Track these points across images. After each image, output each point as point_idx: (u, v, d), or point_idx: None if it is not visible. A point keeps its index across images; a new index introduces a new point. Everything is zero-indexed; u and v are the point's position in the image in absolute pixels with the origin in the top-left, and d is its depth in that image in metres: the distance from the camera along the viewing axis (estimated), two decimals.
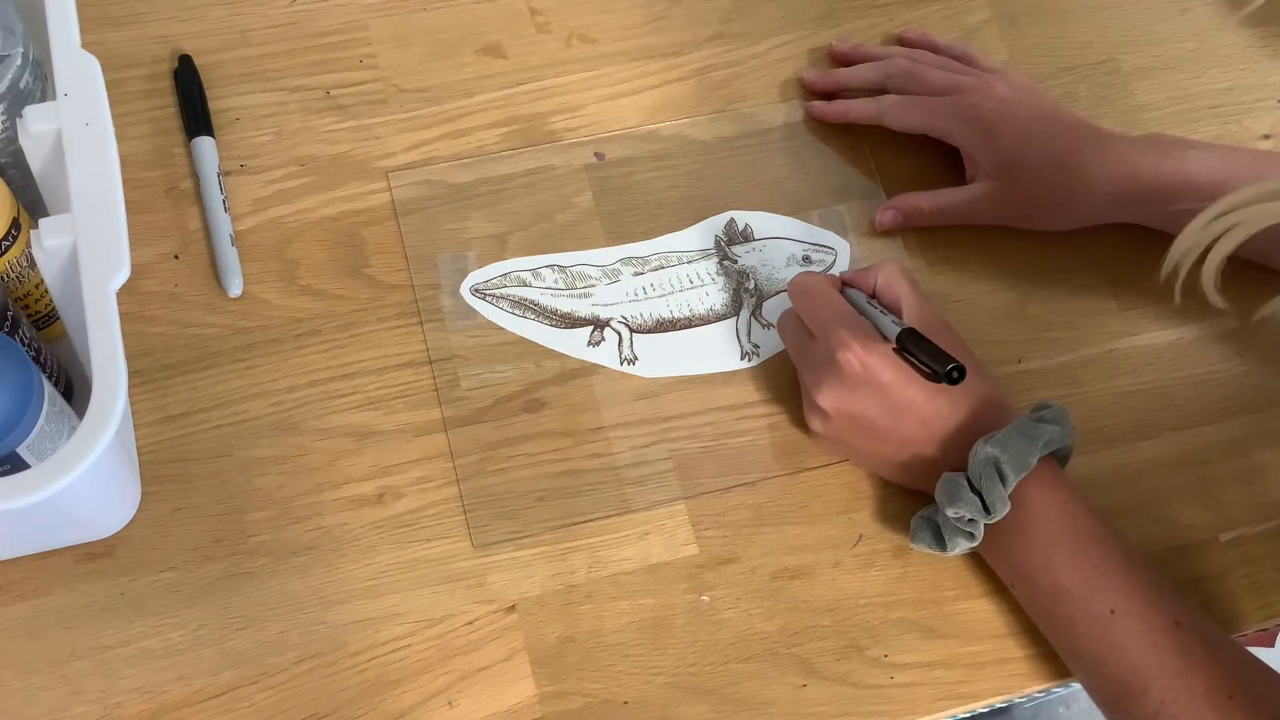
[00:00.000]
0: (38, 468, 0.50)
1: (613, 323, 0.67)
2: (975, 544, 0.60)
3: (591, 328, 0.67)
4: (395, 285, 0.67)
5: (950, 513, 0.59)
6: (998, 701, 0.63)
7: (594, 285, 0.68)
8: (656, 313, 0.68)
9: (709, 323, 0.68)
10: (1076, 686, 0.62)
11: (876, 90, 0.73)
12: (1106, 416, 0.68)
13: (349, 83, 0.72)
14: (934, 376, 0.58)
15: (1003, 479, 0.57)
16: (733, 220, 0.70)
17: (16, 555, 0.59)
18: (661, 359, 0.67)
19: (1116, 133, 0.69)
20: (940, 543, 0.61)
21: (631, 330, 0.67)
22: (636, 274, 0.69)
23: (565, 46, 0.75)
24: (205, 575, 0.60)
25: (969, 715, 0.64)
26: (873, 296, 0.64)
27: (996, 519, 0.58)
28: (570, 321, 0.67)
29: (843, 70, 0.74)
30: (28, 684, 0.57)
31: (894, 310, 0.62)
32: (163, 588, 0.60)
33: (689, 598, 0.62)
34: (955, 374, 0.57)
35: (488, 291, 0.67)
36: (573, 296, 0.68)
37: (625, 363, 0.67)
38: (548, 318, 0.67)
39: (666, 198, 0.71)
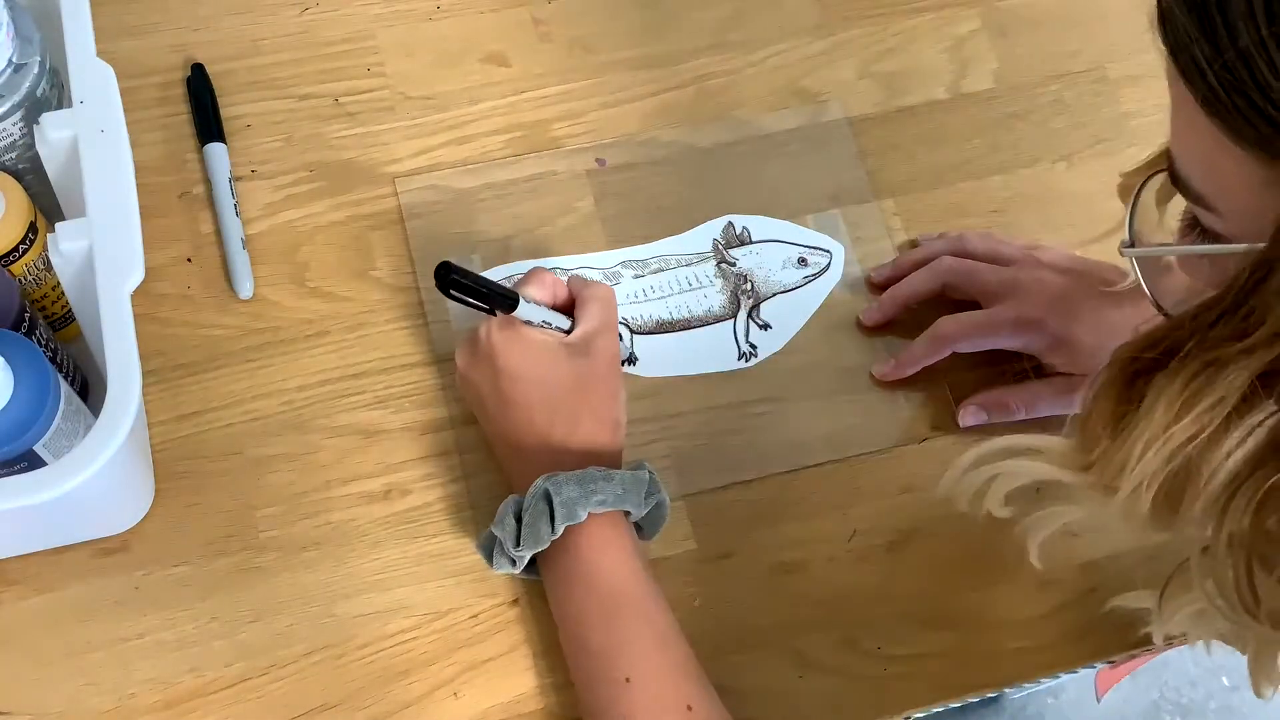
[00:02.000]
0: (54, 465, 0.51)
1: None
2: (515, 570, 0.59)
3: None
4: (402, 287, 0.68)
5: (494, 530, 0.59)
6: (988, 692, 0.64)
7: None
8: (656, 314, 0.69)
9: (707, 324, 0.70)
10: (1066, 678, 0.63)
11: (932, 298, 0.69)
12: None
13: (357, 90, 0.73)
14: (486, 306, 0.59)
15: (552, 521, 0.57)
16: (730, 224, 0.72)
17: (34, 550, 0.60)
18: (660, 359, 0.68)
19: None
20: (489, 556, 0.60)
21: (632, 331, 0.69)
22: (637, 276, 0.70)
23: (567, 55, 0.76)
24: (217, 569, 0.61)
25: (960, 705, 0.65)
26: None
27: (524, 554, 0.57)
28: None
29: (898, 287, 0.70)
30: (45, 675, 0.59)
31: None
32: (176, 582, 0.61)
33: (689, 591, 0.63)
34: (441, 270, 0.57)
35: None
36: None
37: (625, 363, 0.68)
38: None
39: (666, 202, 0.73)
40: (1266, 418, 0.40)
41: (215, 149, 0.70)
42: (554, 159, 0.73)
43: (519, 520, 0.58)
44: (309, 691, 0.60)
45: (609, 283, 0.69)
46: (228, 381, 0.65)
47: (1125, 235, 0.51)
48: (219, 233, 0.68)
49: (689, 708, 0.55)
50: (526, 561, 0.59)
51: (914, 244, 0.73)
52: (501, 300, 0.59)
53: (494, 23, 0.76)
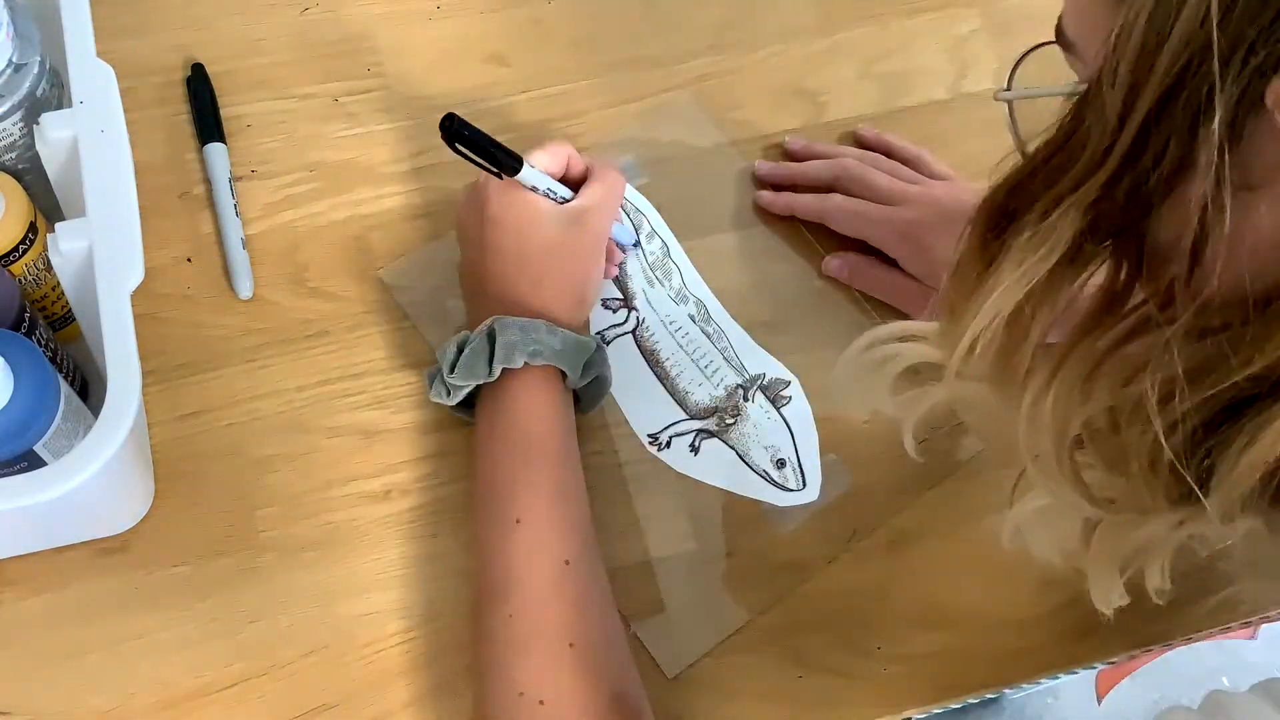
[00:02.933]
0: (54, 465, 0.51)
1: (636, 301, 0.69)
2: (449, 401, 0.61)
3: (620, 299, 0.69)
4: (402, 287, 0.68)
5: (438, 358, 0.61)
6: (988, 692, 0.64)
7: (655, 283, 0.70)
8: (663, 347, 0.69)
9: (686, 407, 0.67)
10: (1065, 677, 0.63)
11: (826, 189, 0.72)
12: None
13: (357, 90, 0.73)
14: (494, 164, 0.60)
15: (490, 360, 0.59)
16: (780, 380, 0.68)
17: (34, 550, 0.60)
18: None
19: None
20: (431, 383, 0.62)
21: (636, 330, 0.69)
22: (690, 316, 0.69)
23: (567, 55, 0.76)
24: (217, 570, 0.61)
25: (959, 705, 0.65)
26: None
27: (458, 384, 0.60)
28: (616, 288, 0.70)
29: (795, 165, 0.74)
30: (45, 675, 0.59)
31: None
32: (176, 582, 0.61)
33: (691, 590, 0.63)
34: (446, 121, 0.58)
35: None
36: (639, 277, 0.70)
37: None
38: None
39: (666, 203, 0.73)
40: (1094, 273, 0.40)
41: (215, 149, 0.70)
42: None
43: (460, 352, 0.60)
44: (309, 692, 0.60)
45: (658, 285, 0.70)
46: (228, 381, 0.65)
47: (1004, 85, 0.51)
48: (219, 233, 0.68)
49: (566, 561, 0.57)
50: (462, 395, 0.61)
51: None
52: (505, 161, 0.60)
53: (494, 23, 0.76)
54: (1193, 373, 0.39)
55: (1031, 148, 0.43)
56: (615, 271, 0.69)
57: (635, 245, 0.70)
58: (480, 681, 0.56)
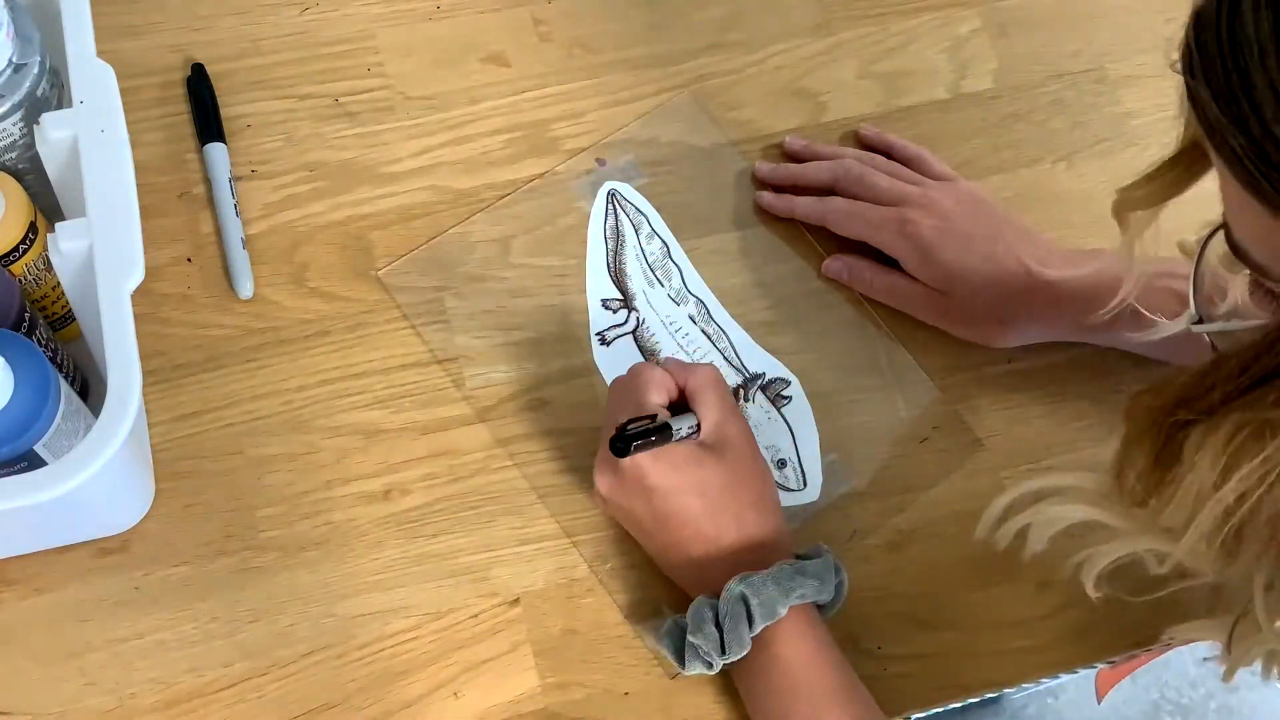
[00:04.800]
0: (54, 465, 0.51)
1: (636, 301, 0.69)
2: (711, 672, 0.59)
3: (620, 300, 0.69)
4: (402, 287, 0.68)
5: (692, 639, 0.58)
6: (988, 692, 0.64)
7: (657, 281, 0.70)
8: (663, 347, 0.69)
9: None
10: (1066, 677, 0.63)
11: (826, 190, 0.72)
12: (1093, 415, 0.70)
13: (357, 90, 0.73)
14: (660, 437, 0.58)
15: (750, 622, 0.56)
16: (780, 380, 0.69)
17: (34, 550, 0.60)
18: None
19: (1062, 251, 0.68)
20: (680, 658, 0.59)
21: (636, 330, 0.69)
22: (690, 317, 0.69)
23: (567, 55, 0.76)
24: (217, 569, 0.61)
25: (961, 705, 0.65)
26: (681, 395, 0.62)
27: (731, 660, 0.57)
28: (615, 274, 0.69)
29: (795, 166, 0.73)
30: (45, 675, 0.59)
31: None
32: (176, 582, 0.61)
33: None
34: (619, 444, 0.56)
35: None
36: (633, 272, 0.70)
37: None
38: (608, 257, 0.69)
39: (666, 202, 0.73)
40: None
41: (215, 149, 0.70)
42: (554, 159, 0.73)
43: (719, 627, 0.57)
44: (309, 691, 0.60)
45: (660, 285, 0.69)
46: (228, 381, 0.65)
47: (1191, 310, 0.49)
48: (219, 233, 0.68)
49: None
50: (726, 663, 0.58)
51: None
52: (661, 436, 0.58)
53: (494, 23, 0.76)
54: None
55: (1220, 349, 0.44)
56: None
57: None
58: None
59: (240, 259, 0.67)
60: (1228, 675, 0.54)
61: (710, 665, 0.58)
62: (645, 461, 0.59)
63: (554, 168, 0.73)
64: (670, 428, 0.58)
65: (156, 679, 0.59)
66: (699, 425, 0.60)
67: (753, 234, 0.73)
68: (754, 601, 0.56)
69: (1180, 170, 0.49)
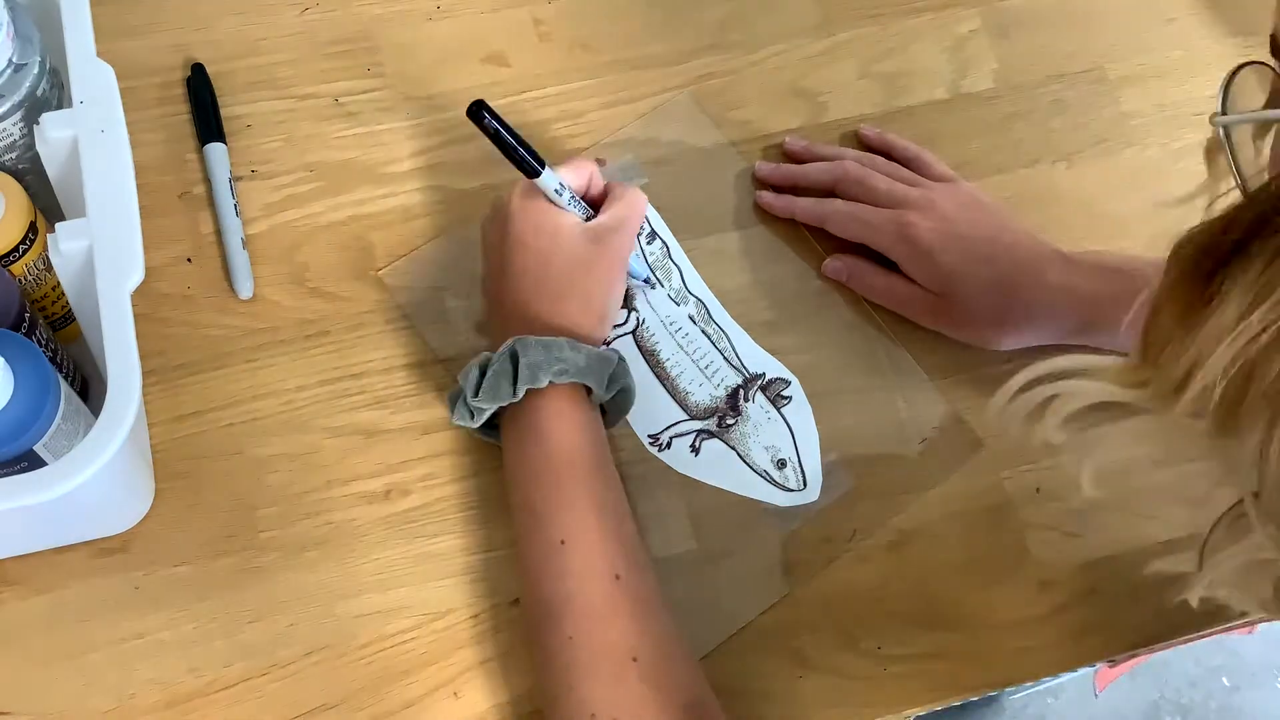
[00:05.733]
0: (54, 465, 0.51)
1: (636, 301, 0.69)
2: (473, 424, 0.61)
3: (621, 303, 0.68)
4: (402, 287, 0.68)
5: (459, 380, 0.61)
6: (988, 692, 0.64)
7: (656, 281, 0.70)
8: (664, 347, 0.68)
9: (687, 408, 0.67)
10: (1065, 677, 0.64)
11: (826, 191, 0.72)
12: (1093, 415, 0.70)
13: (357, 90, 0.73)
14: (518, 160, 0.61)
15: (515, 381, 0.59)
16: (780, 380, 0.68)
17: (34, 550, 0.60)
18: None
19: (1062, 254, 0.68)
20: (453, 407, 0.62)
21: (636, 330, 0.69)
22: (690, 317, 0.69)
23: (567, 55, 0.76)
24: (217, 570, 0.61)
25: (960, 705, 0.65)
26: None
27: (482, 407, 0.59)
28: None
29: (795, 167, 0.73)
30: (45, 675, 0.59)
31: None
32: (176, 582, 0.61)
33: (694, 590, 0.63)
34: (474, 106, 0.59)
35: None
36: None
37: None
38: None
39: (666, 202, 0.73)
40: None
41: (215, 149, 0.70)
42: (554, 159, 0.72)
43: (483, 374, 0.60)
44: (309, 691, 0.60)
45: (658, 286, 0.70)
46: (228, 381, 0.65)
47: (1218, 106, 0.48)
48: (219, 233, 0.68)
49: (617, 576, 0.57)
50: (485, 417, 0.60)
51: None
52: (528, 162, 0.60)
53: (494, 23, 0.76)
54: None
55: (1264, 178, 0.41)
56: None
57: (645, 281, 0.69)
58: (550, 706, 0.56)
59: (240, 259, 0.67)
60: (1193, 596, 0.51)
61: (472, 414, 0.60)
62: (519, 207, 0.63)
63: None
64: (543, 164, 0.61)
65: (156, 679, 0.59)
66: (593, 217, 0.63)
67: (753, 234, 0.73)
68: (521, 360, 0.59)
69: None
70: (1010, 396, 0.52)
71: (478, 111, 0.60)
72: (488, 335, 0.67)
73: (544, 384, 0.59)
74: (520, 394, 0.59)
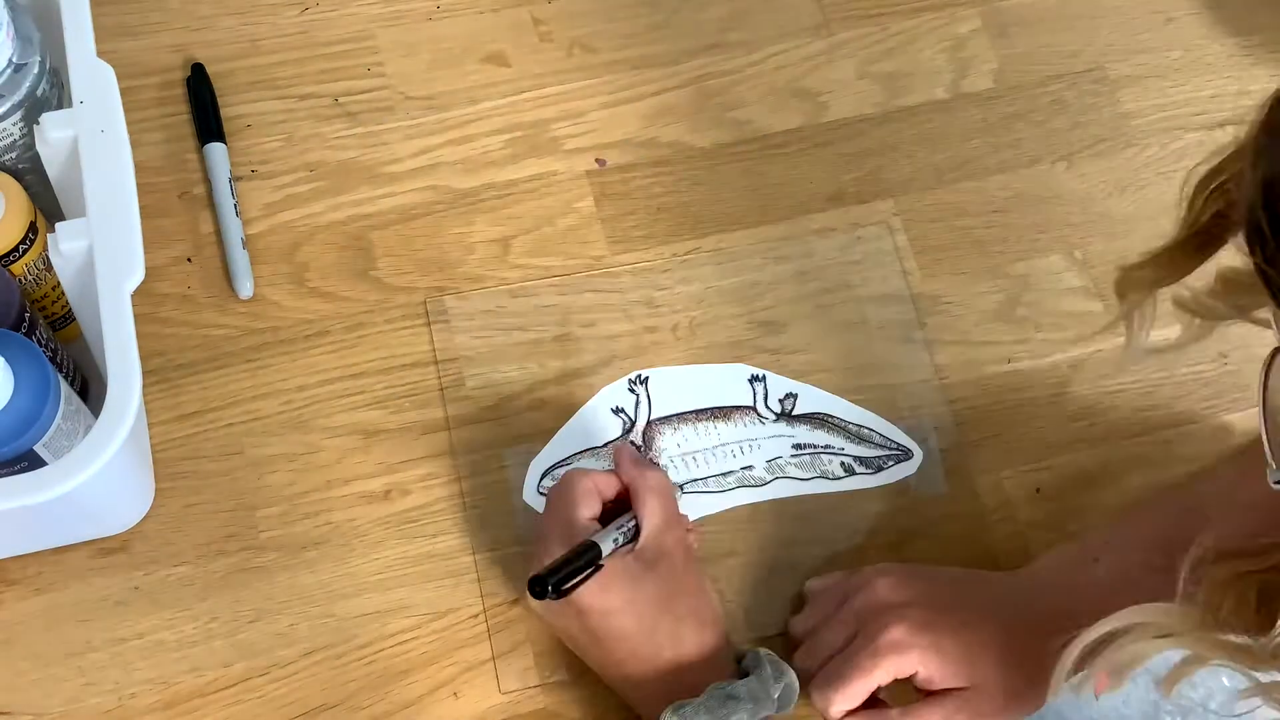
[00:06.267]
0: (54, 465, 0.51)
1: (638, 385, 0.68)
2: None
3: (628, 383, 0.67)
4: (402, 287, 0.68)
5: None
6: None
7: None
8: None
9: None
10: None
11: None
12: (1094, 415, 0.70)
13: (357, 90, 0.73)
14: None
15: None
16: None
17: (33, 550, 0.60)
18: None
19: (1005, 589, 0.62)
20: None
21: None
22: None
23: (567, 55, 0.76)
24: (217, 569, 0.61)
25: None
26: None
27: None
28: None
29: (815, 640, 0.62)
30: (45, 675, 0.59)
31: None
32: (176, 582, 0.61)
33: None
34: (537, 588, 0.54)
35: None
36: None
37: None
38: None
39: (666, 203, 0.73)
40: None
41: (215, 149, 0.70)
42: (554, 159, 0.73)
43: None
44: (309, 691, 0.60)
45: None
46: (228, 381, 0.65)
47: (1271, 465, 0.44)
48: (219, 233, 0.68)
49: None
50: None
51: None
52: (589, 564, 0.56)
53: (494, 23, 0.76)
54: None
55: None
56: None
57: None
58: None
59: (240, 259, 0.67)
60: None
61: None
62: (583, 590, 0.56)
63: (554, 168, 0.72)
64: (599, 556, 0.56)
65: (156, 679, 0.59)
66: (636, 530, 0.58)
67: (753, 234, 0.73)
68: None
69: (1187, 254, 0.47)
70: (1067, 675, 0.51)
71: (541, 588, 0.54)
72: (626, 702, 0.60)
73: None
74: None
